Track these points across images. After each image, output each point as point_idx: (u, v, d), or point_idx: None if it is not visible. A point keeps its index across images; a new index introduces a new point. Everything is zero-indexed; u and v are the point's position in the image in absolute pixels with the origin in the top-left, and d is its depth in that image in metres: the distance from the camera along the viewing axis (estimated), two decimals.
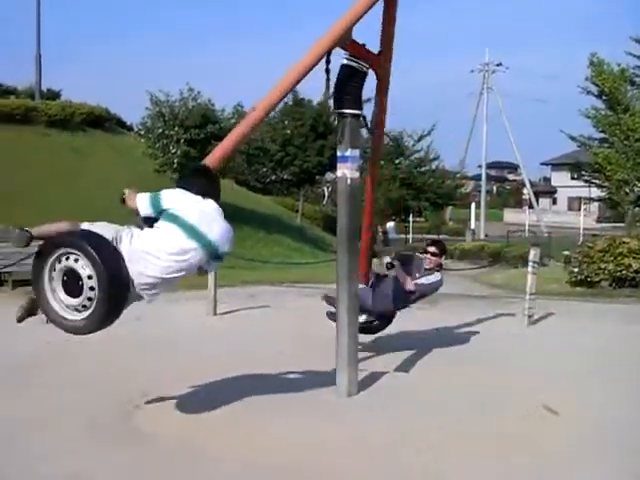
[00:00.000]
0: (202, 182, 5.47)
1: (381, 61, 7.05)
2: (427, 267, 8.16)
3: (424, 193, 42.35)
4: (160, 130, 24.56)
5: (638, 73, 26.90)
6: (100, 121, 29.21)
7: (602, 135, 25.39)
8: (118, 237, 5.14)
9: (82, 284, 4.98)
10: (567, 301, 13.65)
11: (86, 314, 5.08)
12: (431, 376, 7.44)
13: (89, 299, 4.99)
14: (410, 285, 7.91)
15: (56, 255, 5.08)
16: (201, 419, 5.98)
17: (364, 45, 6.57)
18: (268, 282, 15.85)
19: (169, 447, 5.44)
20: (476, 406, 6.36)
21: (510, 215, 73.40)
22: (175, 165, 24.13)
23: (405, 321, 10.28)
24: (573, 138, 27.30)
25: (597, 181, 27.39)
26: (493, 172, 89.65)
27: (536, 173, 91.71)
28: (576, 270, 15.75)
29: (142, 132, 25.67)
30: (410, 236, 44.22)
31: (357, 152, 6.60)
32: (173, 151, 24.12)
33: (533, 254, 11.03)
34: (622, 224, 31.76)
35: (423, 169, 43.46)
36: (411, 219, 45.53)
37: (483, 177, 58.05)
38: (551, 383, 7.16)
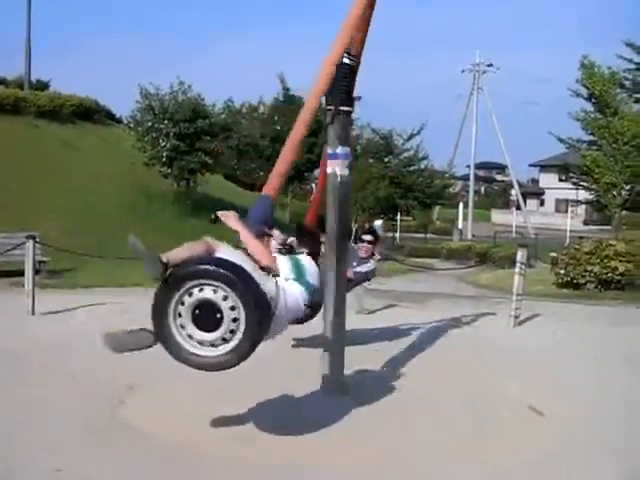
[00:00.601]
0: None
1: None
2: (363, 256, 8.21)
3: (412, 192, 42.29)
4: (150, 123, 24.45)
5: (628, 77, 27.01)
6: (89, 113, 29.05)
7: (591, 138, 25.43)
8: (257, 276, 4.89)
9: (221, 316, 4.63)
10: (553, 302, 13.70)
11: (228, 347, 4.71)
12: (418, 375, 7.45)
13: (231, 331, 4.67)
14: (349, 274, 7.91)
15: (186, 288, 4.67)
16: (188, 415, 5.96)
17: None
18: None
19: (156, 443, 5.42)
20: (464, 406, 6.38)
21: (497, 216, 73.51)
22: (164, 159, 24.06)
23: (392, 320, 10.33)
24: (562, 140, 27.34)
25: (585, 183, 27.43)
26: (481, 172, 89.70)
27: (524, 174, 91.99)
28: (562, 272, 15.81)
29: (131, 125, 25.55)
30: (397, 234, 44.25)
31: (348, 149, 6.60)
32: (162, 144, 24.02)
33: (520, 255, 11.06)
34: (609, 227, 31.91)
35: (412, 168, 43.42)
36: (399, 218, 45.54)
37: (471, 177, 58.09)
38: (537, 384, 7.19)
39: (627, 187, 24.14)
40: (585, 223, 60.75)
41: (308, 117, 6.44)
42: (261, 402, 6.23)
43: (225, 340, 4.69)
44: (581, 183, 28.41)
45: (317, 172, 41.44)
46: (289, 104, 35.45)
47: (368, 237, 8.36)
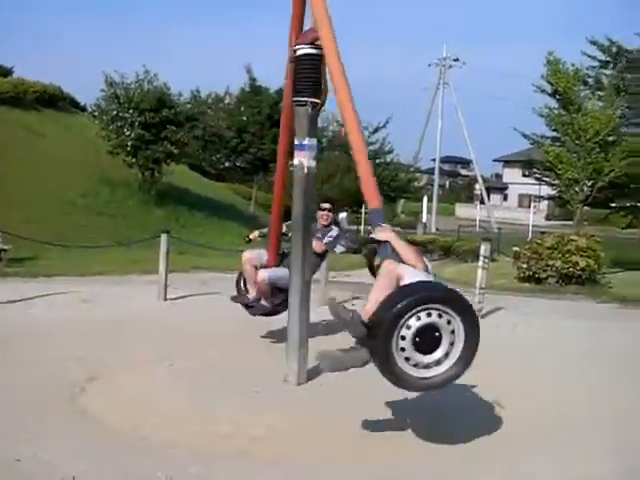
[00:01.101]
0: None
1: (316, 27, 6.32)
2: (324, 224, 8.22)
3: (377, 185, 42.49)
4: (114, 112, 24.28)
5: (591, 74, 27.28)
6: (53, 100, 28.75)
7: (554, 134, 25.66)
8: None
9: (440, 334, 4.66)
10: (515, 296, 13.84)
11: (452, 361, 4.74)
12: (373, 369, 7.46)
13: (451, 344, 4.71)
14: (320, 247, 7.97)
15: (400, 325, 4.61)
16: (147, 404, 5.93)
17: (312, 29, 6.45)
18: (219, 269, 15.78)
19: (114, 431, 5.40)
20: (424, 397, 6.40)
21: (461, 210, 74.04)
22: (129, 148, 23.89)
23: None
24: (526, 136, 27.52)
25: (548, 179, 27.67)
26: (446, 167, 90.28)
27: (488, 169, 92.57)
28: (525, 266, 15.95)
29: (96, 113, 25.33)
30: (362, 227, 44.36)
31: (315, 141, 6.60)
32: (127, 134, 23.86)
33: (484, 249, 11.14)
34: (570, 222, 32.21)
35: (377, 161, 43.59)
36: (363, 211, 45.68)
37: (436, 171, 58.41)
38: (498, 376, 7.25)
39: (589, 183, 24.37)
40: (547, 218, 61.47)
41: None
42: (221, 391, 6.21)
43: (447, 355, 4.74)
44: (544, 179, 28.63)
45: None
46: (255, 95, 35.35)
47: (326, 205, 8.36)
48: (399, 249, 5.20)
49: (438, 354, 4.71)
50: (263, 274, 7.80)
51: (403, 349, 4.65)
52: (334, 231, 8.29)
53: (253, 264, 8.05)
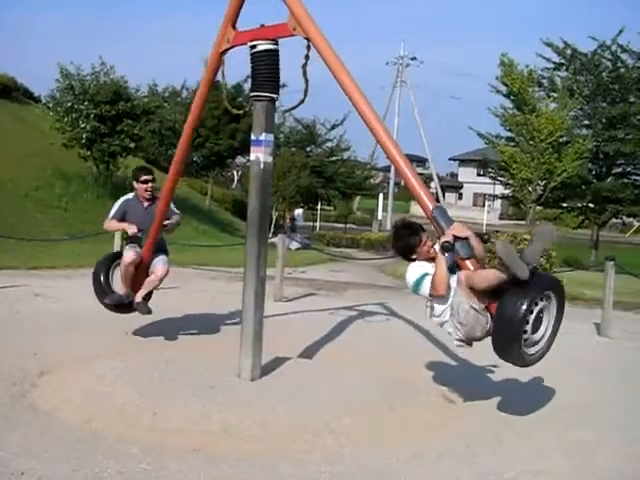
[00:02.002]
0: None
1: (292, 24, 6.17)
2: (147, 197, 8.13)
3: (334, 182, 42.59)
4: (69, 104, 23.97)
5: (545, 75, 27.64)
6: (6, 90, 28.31)
7: (509, 134, 26.01)
8: None
9: (541, 315, 5.44)
10: None
11: (545, 339, 5.52)
12: (334, 363, 7.51)
13: (545, 326, 5.54)
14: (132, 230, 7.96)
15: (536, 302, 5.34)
16: (100, 399, 5.89)
17: (259, 27, 6.45)
18: (174, 263, 15.65)
19: (65, 426, 5.36)
20: (378, 393, 6.46)
21: (417, 208, 74.18)
22: (84, 140, 23.62)
23: (313, 308, 10.39)
24: (481, 135, 27.86)
25: (502, 179, 28.06)
26: None
27: (444, 168, 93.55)
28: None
29: (50, 105, 24.99)
30: (318, 224, 44.47)
31: (271, 136, 6.60)
32: (82, 126, 23.59)
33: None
34: (523, 222, 32.66)
35: (334, 158, 43.70)
36: (319, 207, 45.77)
37: (392, 169, 58.69)
38: (451, 372, 7.35)
39: (542, 183, 24.76)
40: (501, 217, 62.20)
41: (199, 103, 7.40)
42: (175, 386, 6.19)
43: (544, 335, 5.50)
44: (498, 178, 29.03)
45: (238, 159, 41.36)
46: (214, 89, 35.16)
47: (148, 176, 8.23)
48: (474, 243, 5.56)
49: (540, 333, 5.46)
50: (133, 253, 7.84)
51: (528, 322, 5.26)
52: (175, 215, 8.26)
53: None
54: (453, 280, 5.53)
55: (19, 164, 22.05)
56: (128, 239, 8.04)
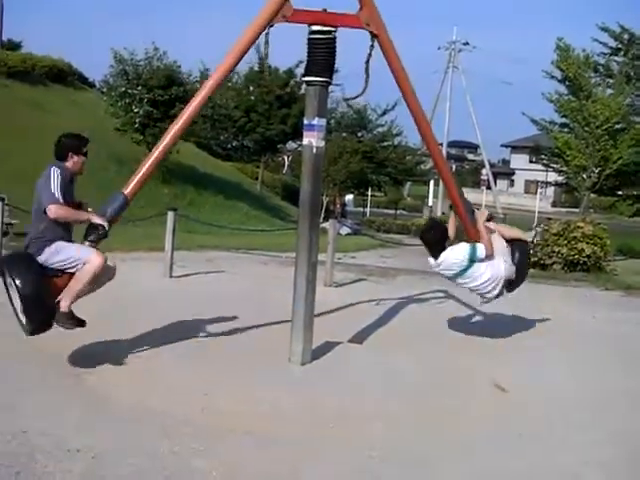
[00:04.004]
0: None
1: (361, 18, 6.53)
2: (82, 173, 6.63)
3: (384, 168, 42.36)
4: (123, 89, 24.21)
5: (601, 61, 27.12)
6: (62, 75, 28.68)
7: (563, 120, 25.56)
8: None
9: None
10: None
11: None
12: (384, 349, 7.51)
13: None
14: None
15: None
16: (154, 380, 5.98)
17: (322, 10, 6.47)
18: (224, 247, 15.80)
19: (120, 406, 5.46)
20: (427, 380, 6.45)
21: (467, 195, 73.68)
22: (137, 125, 23.84)
23: (363, 294, 10.37)
24: (535, 121, 27.40)
25: (555, 165, 27.61)
26: (454, 151, 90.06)
27: (496, 154, 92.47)
28: (530, 252, 15.91)
29: (104, 90, 25.26)
30: (368, 209, 44.38)
31: (324, 121, 6.60)
32: (135, 110, 23.81)
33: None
34: (576, 209, 32.18)
35: (385, 144, 43.46)
36: (370, 193, 45.64)
37: (444, 155, 58.25)
38: (502, 361, 7.28)
39: (597, 171, 24.30)
40: (553, 205, 61.35)
41: (204, 93, 6.74)
42: (227, 368, 6.25)
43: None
44: (552, 165, 28.57)
45: (289, 144, 41.38)
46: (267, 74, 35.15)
47: (86, 148, 6.49)
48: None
49: None
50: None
51: None
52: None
53: None
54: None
55: None
56: (88, 233, 6.36)
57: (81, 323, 6.25)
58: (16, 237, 14.74)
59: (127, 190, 6.46)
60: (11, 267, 5.99)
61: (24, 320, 5.89)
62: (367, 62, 6.73)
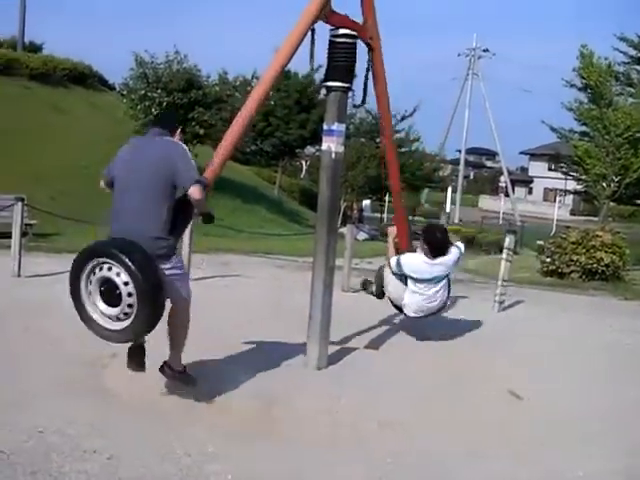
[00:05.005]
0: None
1: (368, 30, 6.85)
2: None
3: (402, 174, 42.18)
4: (143, 91, 24.33)
5: (622, 70, 27.01)
6: (82, 78, 28.85)
7: (583, 128, 25.50)
8: None
9: None
10: (537, 290, 13.76)
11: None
12: (400, 355, 7.49)
13: None
14: None
15: None
16: (171, 384, 5.98)
17: (347, 16, 6.51)
18: (241, 251, 15.83)
19: (135, 406, 5.48)
20: (443, 387, 6.42)
21: (485, 201, 73.79)
22: None
23: (378, 301, 10.33)
24: (554, 129, 27.36)
25: (575, 174, 27.58)
26: (471, 158, 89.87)
27: (514, 162, 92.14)
28: (548, 260, 15.85)
29: (124, 92, 25.39)
30: (385, 215, 44.33)
31: (343, 126, 6.59)
32: (155, 113, 23.91)
33: (508, 241, 11.07)
34: (595, 218, 32.03)
35: (403, 150, 43.41)
36: (387, 199, 45.61)
37: (461, 162, 58.20)
38: (518, 368, 7.25)
39: (616, 179, 24.21)
40: (572, 213, 61.06)
41: (261, 92, 6.22)
42: (241, 373, 6.24)
43: None
44: (571, 173, 28.52)
45: (308, 149, 41.41)
46: (284, 79, 35.26)
47: None
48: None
49: None
50: None
51: None
52: None
53: None
54: None
55: (93, 150, 22.46)
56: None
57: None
58: (35, 237, 14.90)
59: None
60: (128, 252, 4.79)
61: (122, 324, 4.99)
62: (367, 72, 7.07)
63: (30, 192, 14.51)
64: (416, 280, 7.70)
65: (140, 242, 4.82)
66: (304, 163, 54.86)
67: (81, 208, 17.31)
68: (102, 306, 5.00)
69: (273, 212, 28.61)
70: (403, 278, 7.84)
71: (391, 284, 7.94)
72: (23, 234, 11.43)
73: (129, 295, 4.79)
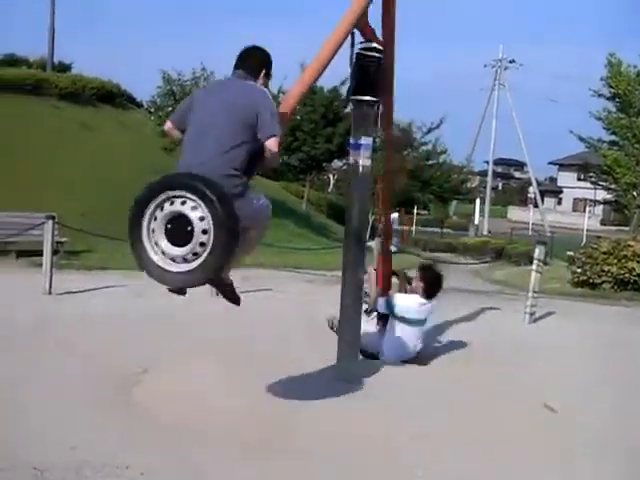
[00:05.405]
0: None
1: (386, 49, 6.69)
2: None
3: (430, 186, 42.25)
4: (170, 108, 24.47)
5: None
6: (110, 96, 29.12)
7: (612, 137, 25.32)
8: None
9: None
10: (568, 301, 13.65)
11: None
12: (430, 369, 7.46)
13: None
14: None
15: None
16: (200, 398, 5.98)
17: (374, 30, 6.52)
18: (270, 265, 15.85)
19: (168, 423, 5.46)
20: (475, 400, 6.37)
21: (514, 213, 73.38)
22: None
23: None
24: (582, 139, 27.19)
25: (605, 183, 27.39)
26: (499, 169, 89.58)
27: (543, 172, 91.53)
28: (579, 271, 15.71)
29: (152, 109, 25.57)
30: (413, 228, 44.23)
31: (370, 140, 6.58)
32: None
33: (538, 252, 11.00)
34: (626, 227, 31.71)
35: (430, 162, 43.35)
36: (415, 211, 45.49)
37: (489, 173, 57.99)
38: (551, 381, 7.18)
39: None
40: (602, 223, 60.51)
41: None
42: (275, 387, 6.24)
43: None
44: (600, 183, 28.33)
45: (335, 162, 41.45)
46: (311, 93, 35.33)
47: None
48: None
49: None
50: None
51: None
52: None
53: None
54: None
55: (122, 167, 22.65)
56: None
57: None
58: (67, 255, 15.04)
59: None
60: (209, 184, 4.41)
61: (188, 265, 4.47)
62: None
63: (61, 209, 14.65)
64: (406, 321, 7.59)
65: (215, 179, 4.48)
66: (331, 177, 54.91)
67: (111, 224, 17.40)
68: (166, 245, 4.44)
69: (301, 226, 28.62)
70: (381, 323, 7.79)
71: (367, 333, 7.42)
72: (54, 252, 11.55)
73: (204, 232, 4.31)
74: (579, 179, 58.07)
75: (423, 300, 7.64)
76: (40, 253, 11.25)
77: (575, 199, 73.69)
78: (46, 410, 5.56)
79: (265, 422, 5.52)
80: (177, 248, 4.40)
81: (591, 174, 29.69)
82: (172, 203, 4.39)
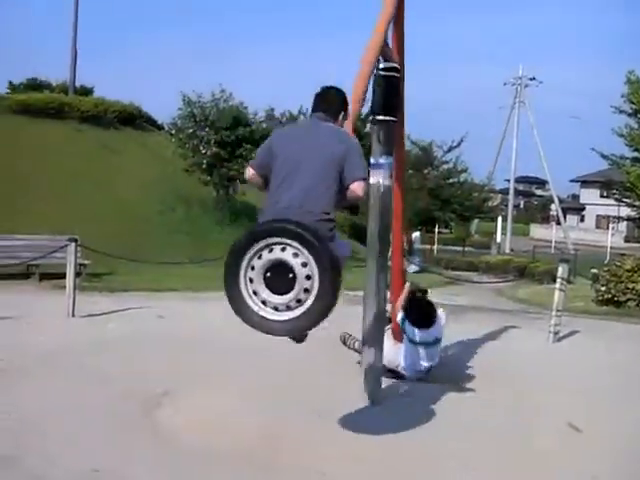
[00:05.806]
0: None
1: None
2: None
3: (451, 205, 42.10)
4: (191, 130, 24.63)
5: None
6: (132, 119, 29.35)
7: (635, 154, 25.13)
8: None
9: None
10: (592, 319, 13.51)
11: None
12: (454, 387, 7.39)
13: None
14: None
15: None
16: (222, 420, 5.96)
17: (392, 49, 6.55)
18: None
19: (189, 447, 5.43)
20: (500, 419, 6.31)
21: (537, 230, 73.03)
22: (204, 166, 24.20)
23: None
24: (605, 156, 27.02)
25: (628, 200, 27.17)
26: (521, 187, 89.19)
27: (565, 190, 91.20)
28: (603, 289, 15.55)
29: (172, 132, 25.72)
30: (435, 247, 44.08)
31: (391, 159, 6.57)
32: (203, 152, 24.17)
33: (562, 270, 10.91)
34: None
35: (451, 181, 43.21)
36: (437, 230, 45.33)
37: (511, 191, 57.73)
38: (576, 400, 7.09)
39: None
40: (626, 240, 60.00)
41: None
42: (296, 409, 6.21)
43: None
44: (624, 199, 28.09)
45: None
46: None
47: None
48: None
49: None
50: None
51: None
52: None
53: None
54: None
55: (143, 189, 22.80)
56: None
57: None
58: (89, 277, 15.11)
59: None
60: (309, 230, 4.36)
61: (292, 313, 4.40)
62: None
63: (83, 232, 14.72)
64: (414, 342, 7.59)
65: (311, 224, 4.44)
66: None
67: (133, 247, 17.52)
68: (266, 294, 4.35)
69: None
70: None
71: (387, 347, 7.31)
72: (77, 274, 11.60)
73: (307, 278, 4.24)
74: (602, 196, 57.77)
75: (417, 332, 7.57)
76: (63, 276, 11.29)
77: (598, 216, 73.19)
78: (68, 433, 5.56)
79: (290, 445, 5.49)
80: (279, 296, 4.32)
81: (614, 191, 29.45)
82: (271, 251, 4.31)
